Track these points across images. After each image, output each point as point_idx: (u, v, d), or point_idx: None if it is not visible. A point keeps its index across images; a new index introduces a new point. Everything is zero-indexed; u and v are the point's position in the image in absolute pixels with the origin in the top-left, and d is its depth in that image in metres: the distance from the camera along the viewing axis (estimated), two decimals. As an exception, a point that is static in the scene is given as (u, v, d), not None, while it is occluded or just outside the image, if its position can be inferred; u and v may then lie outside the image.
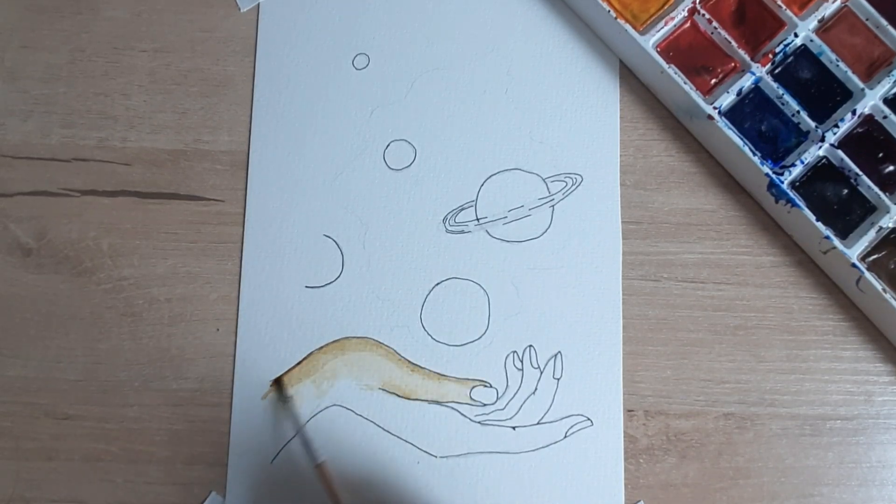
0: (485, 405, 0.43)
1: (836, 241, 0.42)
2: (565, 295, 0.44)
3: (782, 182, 0.42)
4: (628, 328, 0.44)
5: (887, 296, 0.41)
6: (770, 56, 0.44)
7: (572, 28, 0.47)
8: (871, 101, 0.43)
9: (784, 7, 0.44)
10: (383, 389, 0.43)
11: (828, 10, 0.44)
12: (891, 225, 0.42)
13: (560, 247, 0.44)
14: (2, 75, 0.46)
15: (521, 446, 0.43)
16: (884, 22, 0.44)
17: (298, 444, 0.42)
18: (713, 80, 0.44)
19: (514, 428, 0.43)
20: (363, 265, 0.44)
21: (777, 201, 0.43)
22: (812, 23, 0.44)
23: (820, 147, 0.43)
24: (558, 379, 0.43)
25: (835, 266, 0.43)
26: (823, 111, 0.44)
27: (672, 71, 0.44)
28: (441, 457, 0.43)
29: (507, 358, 0.44)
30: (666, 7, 0.44)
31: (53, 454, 0.43)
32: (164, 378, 0.44)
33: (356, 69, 0.46)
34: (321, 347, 0.44)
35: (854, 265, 0.42)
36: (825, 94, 0.44)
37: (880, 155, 0.43)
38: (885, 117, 0.43)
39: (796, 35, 0.44)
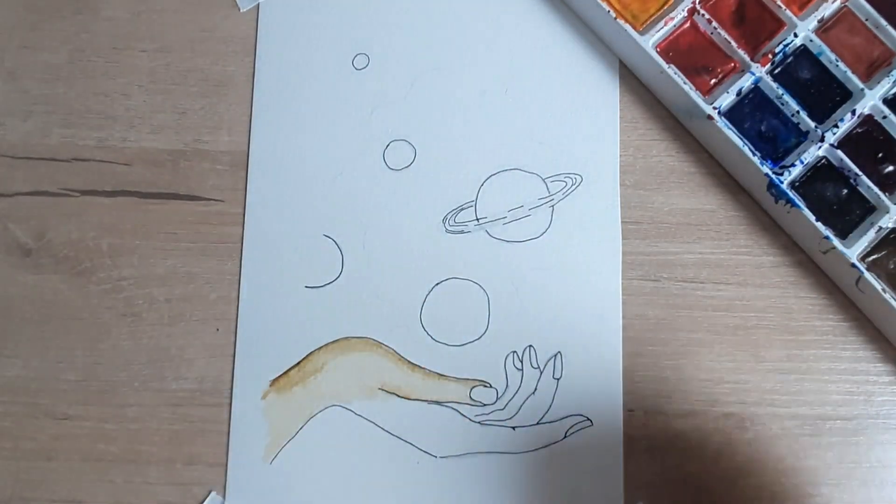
0: (485, 405, 0.43)
1: (836, 241, 0.42)
2: (565, 295, 0.44)
3: (782, 182, 0.42)
4: (628, 328, 0.44)
5: (887, 296, 0.41)
6: (770, 56, 0.44)
7: (572, 28, 0.47)
8: (870, 101, 0.43)
9: (784, 7, 0.44)
10: (383, 389, 0.43)
11: (827, 10, 0.44)
12: (890, 225, 0.42)
13: (560, 247, 0.44)
14: (2, 75, 0.46)
15: (520, 446, 0.43)
16: (883, 22, 0.44)
17: None
18: (713, 80, 0.44)
19: (513, 428, 0.43)
20: (363, 265, 0.44)
21: (777, 201, 0.43)
22: (812, 23, 0.44)
23: (819, 147, 0.43)
24: (558, 379, 0.43)
25: (834, 266, 0.43)
26: (823, 111, 0.44)
27: (672, 71, 0.44)
28: (441, 457, 0.43)
29: (506, 358, 0.44)
30: (666, 7, 0.44)
31: (53, 454, 0.43)
32: (163, 378, 0.44)
33: (356, 69, 0.46)
34: (321, 347, 0.44)
35: (854, 265, 0.42)
36: (825, 94, 0.44)
37: (880, 155, 0.43)
38: (884, 117, 0.43)
39: (796, 35, 0.44)
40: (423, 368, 0.44)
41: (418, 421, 0.43)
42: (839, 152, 0.43)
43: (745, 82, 0.44)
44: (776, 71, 0.44)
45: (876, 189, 0.42)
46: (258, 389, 0.43)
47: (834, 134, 0.43)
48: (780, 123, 0.44)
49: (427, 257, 0.44)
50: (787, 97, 0.43)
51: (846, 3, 0.44)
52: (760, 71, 0.44)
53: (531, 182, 0.45)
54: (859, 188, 0.43)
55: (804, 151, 0.43)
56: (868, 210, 0.43)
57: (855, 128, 0.43)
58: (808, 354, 0.44)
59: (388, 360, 0.44)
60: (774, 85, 0.43)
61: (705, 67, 0.44)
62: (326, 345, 0.44)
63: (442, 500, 0.42)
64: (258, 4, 0.47)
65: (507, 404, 0.43)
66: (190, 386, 0.43)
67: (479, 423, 0.43)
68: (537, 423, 0.43)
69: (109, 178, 0.45)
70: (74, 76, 0.46)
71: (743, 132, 0.43)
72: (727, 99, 0.44)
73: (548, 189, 0.45)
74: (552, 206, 0.45)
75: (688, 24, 0.45)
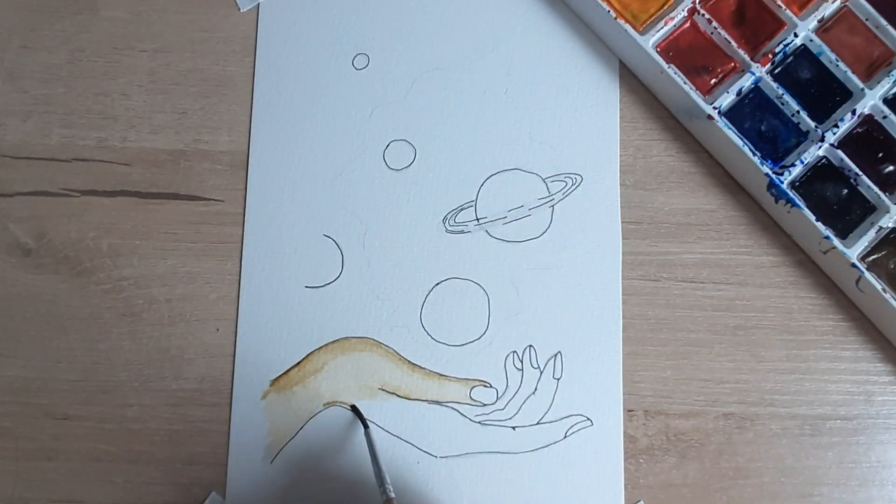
0: (485, 405, 0.43)
1: (836, 241, 0.42)
2: (565, 295, 0.44)
3: (782, 182, 0.42)
4: (628, 328, 0.44)
5: (887, 296, 0.41)
6: (770, 56, 0.44)
7: (572, 28, 0.47)
8: (870, 101, 0.43)
9: (784, 7, 0.44)
10: (383, 389, 0.43)
11: (827, 10, 0.44)
12: (890, 225, 0.42)
13: (560, 247, 0.44)
14: (2, 75, 0.46)
15: (521, 446, 0.43)
16: (883, 22, 0.44)
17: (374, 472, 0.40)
18: (713, 80, 0.44)
19: (514, 428, 0.43)
20: (363, 265, 0.44)
21: (777, 201, 0.43)
22: (812, 23, 0.44)
23: (820, 147, 0.43)
24: (558, 379, 0.43)
25: (835, 266, 0.43)
26: (823, 111, 0.44)
27: (672, 71, 0.44)
28: (441, 457, 0.43)
29: (506, 358, 0.44)
30: (666, 7, 0.44)
31: (53, 454, 0.43)
32: (163, 378, 0.44)
33: (356, 69, 0.46)
34: (321, 347, 0.44)
35: (854, 265, 0.42)
36: (825, 94, 0.44)
37: (880, 155, 0.43)
38: (884, 117, 0.43)
39: (796, 35, 0.44)
40: (423, 368, 0.44)
41: (418, 421, 0.43)
42: (839, 152, 0.43)
43: (745, 82, 0.44)
44: (776, 71, 0.44)
45: (876, 189, 0.42)
46: (258, 389, 0.43)
47: (834, 134, 0.43)
48: (780, 123, 0.44)
49: (427, 257, 0.44)
50: (787, 97, 0.43)
51: (846, 3, 0.44)
52: (760, 71, 0.44)
53: (531, 182, 0.45)
54: (859, 188, 0.43)
55: (804, 151, 0.43)
56: (868, 210, 0.43)
57: (855, 128, 0.43)
58: (808, 354, 0.44)
59: (388, 360, 0.44)
60: (774, 85, 0.43)
61: (705, 67, 0.44)
62: (326, 345, 0.44)
63: (442, 500, 0.42)
64: (258, 4, 0.47)
65: (507, 404, 0.43)
66: (190, 386, 0.43)
67: (479, 423, 0.43)
68: (537, 423, 0.43)
69: (109, 178, 0.45)
70: (74, 76, 0.46)
71: (743, 132, 0.43)
72: (727, 99, 0.44)
73: (548, 189, 0.45)
74: (552, 206, 0.45)
75: (688, 24, 0.45)
